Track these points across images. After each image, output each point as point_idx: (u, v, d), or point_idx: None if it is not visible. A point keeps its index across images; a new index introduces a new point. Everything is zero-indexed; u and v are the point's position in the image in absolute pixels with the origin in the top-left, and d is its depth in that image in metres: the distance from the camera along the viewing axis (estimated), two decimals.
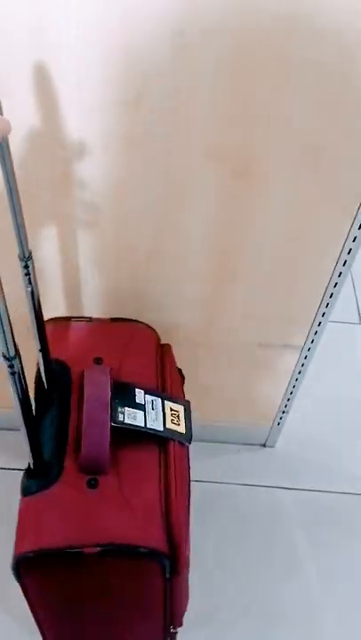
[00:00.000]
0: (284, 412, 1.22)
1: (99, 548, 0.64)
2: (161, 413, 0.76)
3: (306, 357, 1.08)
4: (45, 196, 0.83)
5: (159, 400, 0.77)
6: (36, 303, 0.70)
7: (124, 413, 0.73)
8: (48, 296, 0.96)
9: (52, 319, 0.89)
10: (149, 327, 0.90)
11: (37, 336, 0.73)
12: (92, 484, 0.69)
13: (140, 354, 0.85)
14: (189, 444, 0.78)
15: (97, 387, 0.74)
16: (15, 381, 0.58)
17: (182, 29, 0.65)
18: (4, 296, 0.50)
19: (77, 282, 0.95)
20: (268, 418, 1.26)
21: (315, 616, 1.09)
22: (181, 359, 0.96)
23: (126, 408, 0.74)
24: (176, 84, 0.70)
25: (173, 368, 0.87)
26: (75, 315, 0.95)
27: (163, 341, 0.92)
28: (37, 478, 0.70)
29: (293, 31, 0.65)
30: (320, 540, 1.19)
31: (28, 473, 0.71)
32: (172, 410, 0.78)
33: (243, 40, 0.66)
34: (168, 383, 0.82)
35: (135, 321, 0.90)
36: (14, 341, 0.55)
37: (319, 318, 0.99)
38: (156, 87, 0.71)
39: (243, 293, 0.97)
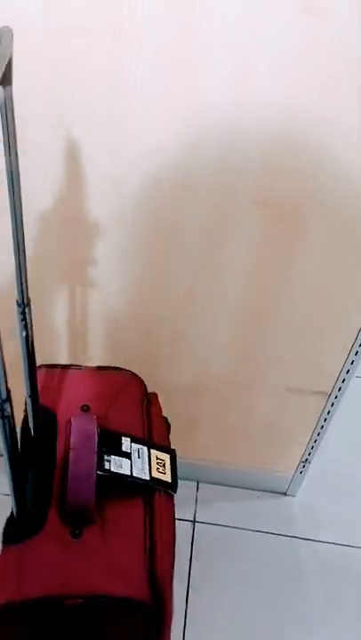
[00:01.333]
0: (307, 459, 1.22)
1: (81, 600, 0.63)
2: (147, 462, 0.76)
3: (333, 405, 1.09)
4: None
5: (145, 449, 0.78)
6: (30, 349, 0.71)
7: (110, 462, 0.73)
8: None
9: (41, 365, 0.89)
10: (135, 375, 0.91)
11: (28, 382, 0.73)
12: (76, 535, 0.69)
13: (126, 402, 0.86)
14: (175, 492, 0.78)
15: (84, 435, 0.74)
16: (4, 425, 0.58)
17: None
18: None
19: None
20: (291, 466, 1.25)
21: None
22: (207, 400, 0.99)
23: (113, 456, 0.74)
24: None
25: (159, 417, 0.88)
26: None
27: (191, 383, 0.94)
28: (20, 527, 0.70)
29: None
30: (334, 595, 1.18)
31: (11, 521, 0.70)
32: (157, 458, 0.78)
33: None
34: (154, 432, 0.83)
35: (121, 369, 0.91)
36: (7, 384, 0.55)
37: (348, 366, 1.01)
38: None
39: (275, 336, 0.99)
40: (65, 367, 0.90)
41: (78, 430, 0.75)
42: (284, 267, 0.90)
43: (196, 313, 0.98)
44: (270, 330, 0.98)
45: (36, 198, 0.86)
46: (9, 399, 0.57)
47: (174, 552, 0.76)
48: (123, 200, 0.85)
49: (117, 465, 0.73)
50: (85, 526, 0.69)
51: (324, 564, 1.22)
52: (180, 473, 1.21)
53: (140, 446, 0.78)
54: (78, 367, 0.90)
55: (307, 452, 1.20)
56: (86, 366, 0.90)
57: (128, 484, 0.73)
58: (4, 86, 0.49)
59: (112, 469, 0.72)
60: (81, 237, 0.91)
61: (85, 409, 0.83)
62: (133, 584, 0.66)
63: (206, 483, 1.34)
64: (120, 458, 0.74)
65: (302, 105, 0.74)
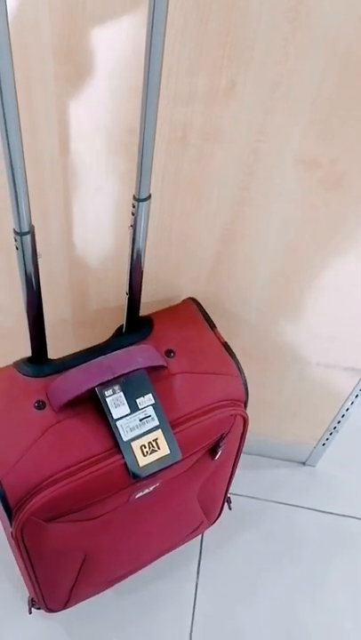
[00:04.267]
0: (331, 433, 1.19)
1: None
2: (141, 431, 0.70)
3: None
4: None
5: (155, 422, 0.71)
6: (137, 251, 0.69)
7: (113, 394, 0.70)
8: None
9: (190, 298, 0.88)
10: (243, 384, 0.80)
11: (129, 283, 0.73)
12: (40, 406, 0.71)
13: (205, 389, 0.78)
14: (133, 479, 0.71)
15: (125, 360, 0.72)
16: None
17: None
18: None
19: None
20: (315, 437, 1.23)
21: None
22: None
23: (121, 393, 0.70)
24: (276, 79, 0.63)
25: (214, 432, 0.77)
26: None
27: None
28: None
29: None
30: (350, 567, 1.17)
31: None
32: (155, 441, 0.71)
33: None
34: (187, 428, 0.74)
35: (239, 369, 0.81)
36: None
37: None
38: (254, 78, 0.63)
39: (312, 309, 0.92)
40: (205, 316, 0.85)
41: (127, 355, 0.73)
42: (328, 235, 0.79)
43: (224, 280, 0.89)
44: (307, 303, 0.91)
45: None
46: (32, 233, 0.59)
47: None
48: None
49: (116, 402, 0.70)
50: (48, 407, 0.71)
51: (339, 536, 1.21)
52: None
53: (153, 415, 0.71)
54: (214, 328, 0.84)
55: (332, 425, 1.17)
56: (220, 335, 0.84)
57: (105, 422, 0.70)
58: None
59: (107, 398, 0.70)
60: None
61: (170, 354, 0.79)
62: None
63: None
64: (125, 402, 0.70)
65: None
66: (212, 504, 1.04)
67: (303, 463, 1.32)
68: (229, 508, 1.11)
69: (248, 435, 1.17)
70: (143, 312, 0.84)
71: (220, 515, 1.12)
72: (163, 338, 0.81)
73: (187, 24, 0.60)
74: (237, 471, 1.13)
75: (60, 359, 0.78)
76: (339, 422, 1.17)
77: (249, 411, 1.10)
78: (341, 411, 1.13)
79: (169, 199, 0.78)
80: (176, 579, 1.14)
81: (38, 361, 0.77)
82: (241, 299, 0.93)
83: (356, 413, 1.14)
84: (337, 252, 0.82)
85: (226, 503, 1.10)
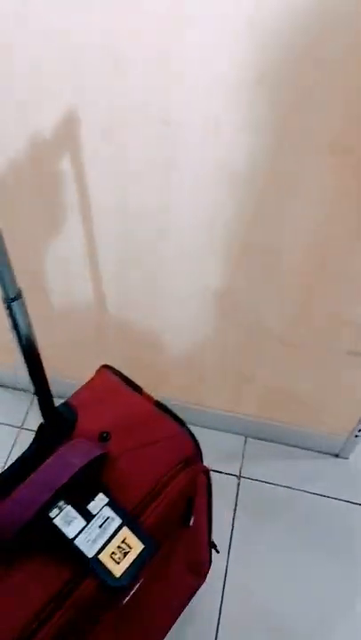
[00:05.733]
0: None
1: None
2: (105, 538, 0.62)
3: None
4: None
5: (117, 522, 0.63)
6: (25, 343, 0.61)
7: (60, 511, 0.61)
8: None
9: (107, 366, 0.80)
10: (189, 438, 0.74)
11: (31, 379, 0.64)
12: None
13: (154, 457, 0.71)
14: (114, 594, 0.62)
15: (60, 465, 0.63)
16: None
17: None
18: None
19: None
20: (347, 429, 1.20)
21: None
22: (265, 358, 1.00)
23: (69, 507, 0.61)
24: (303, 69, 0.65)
25: (180, 503, 0.70)
26: None
27: (247, 339, 0.99)
28: None
29: None
30: None
31: None
32: (123, 542, 0.62)
33: None
34: (154, 511, 0.66)
35: (180, 421, 0.75)
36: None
37: None
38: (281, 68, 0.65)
39: (343, 296, 0.91)
40: (126, 381, 0.78)
41: (60, 459, 0.64)
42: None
43: (256, 269, 0.91)
44: (341, 290, 0.90)
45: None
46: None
47: None
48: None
49: (66, 519, 0.61)
50: None
51: None
52: (227, 426, 1.31)
53: (112, 514, 0.63)
54: (139, 390, 0.78)
55: None
56: (148, 395, 0.77)
57: (63, 546, 0.60)
58: None
59: (55, 520, 0.60)
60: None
61: (104, 437, 0.71)
62: None
63: (255, 438, 1.31)
64: (76, 514, 0.61)
65: None
66: (200, 561, 0.97)
67: (336, 455, 1.29)
68: (217, 552, 1.04)
69: (278, 424, 1.24)
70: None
71: (210, 563, 1.05)
72: (91, 422, 0.72)
73: None
74: (269, 460, 1.24)
75: None
76: None
77: (279, 399, 1.15)
78: None
79: None
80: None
81: None
82: (274, 287, 0.93)
83: None
84: None
85: (213, 550, 1.03)
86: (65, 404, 0.75)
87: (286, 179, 0.77)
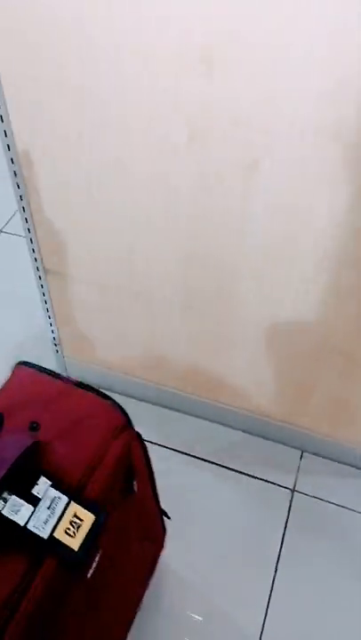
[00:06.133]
0: None
1: None
2: (56, 517, 0.63)
3: None
4: None
5: (64, 500, 0.65)
6: None
7: (6, 502, 0.62)
8: None
9: (22, 362, 0.81)
10: (114, 408, 0.77)
11: None
12: None
13: (85, 435, 0.73)
14: (77, 568, 0.64)
15: None
16: None
17: None
18: None
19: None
20: None
21: None
22: (324, 369, 0.98)
23: (13, 497, 0.62)
24: None
25: (119, 469, 0.74)
26: None
27: (308, 348, 0.97)
28: None
29: None
30: None
31: None
32: (75, 516, 0.65)
33: None
34: (96, 481, 0.69)
35: (102, 395, 0.78)
36: None
37: None
38: None
39: None
40: (43, 370, 0.80)
41: None
42: None
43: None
44: None
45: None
46: None
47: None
48: None
49: (13, 509, 0.62)
50: None
51: None
52: (284, 438, 1.31)
53: (58, 494, 0.65)
54: (58, 376, 0.80)
55: None
56: (67, 378, 0.79)
57: (16, 535, 0.62)
58: None
59: (2, 511, 0.61)
60: None
61: (34, 427, 0.72)
62: None
63: (311, 454, 1.30)
64: (22, 501, 0.63)
65: None
66: (153, 529, 1.01)
67: None
68: (168, 518, 1.08)
69: (337, 441, 1.21)
70: None
71: (164, 530, 1.09)
72: (18, 417, 0.73)
73: None
74: (325, 477, 1.20)
75: None
76: None
77: (340, 415, 1.12)
78: None
79: None
80: (252, 578, 1.11)
81: None
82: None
83: None
84: None
85: (164, 517, 1.07)
86: None
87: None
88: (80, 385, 0.78)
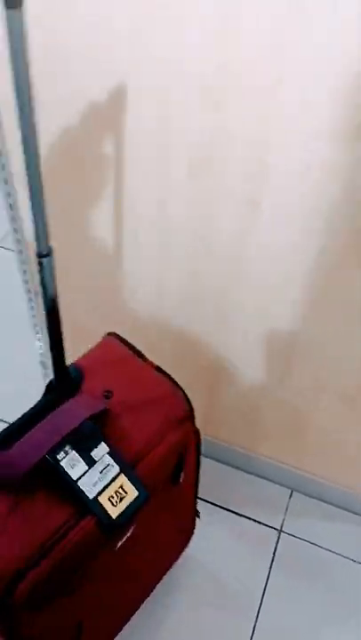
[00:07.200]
0: None
1: None
2: (105, 482, 0.68)
3: None
4: None
5: (116, 469, 0.69)
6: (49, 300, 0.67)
7: (67, 455, 0.67)
8: None
9: (113, 333, 0.87)
10: (183, 400, 0.81)
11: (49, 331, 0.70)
12: None
13: (151, 416, 0.77)
14: (110, 533, 0.69)
15: (67, 416, 0.69)
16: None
17: None
18: None
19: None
20: None
21: None
22: (316, 413, 0.99)
23: (74, 452, 0.68)
24: None
25: (172, 457, 0.77)
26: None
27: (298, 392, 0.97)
28: None
29: None
30: None
31: None
32: (121, 488, 0.69)
33: None
34: (149, 462, 0.73)
35: (176, 385, 0.82)
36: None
37: None
38: None
39: None
40: (130, 347, 0.85)
41: (68, 411, 0.70)
42: None
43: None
44: None
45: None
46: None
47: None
48: None
49: (71, 462, 0.67)
50: None
51: None
52: (275, 476, 1.30)
53: (112, 462, 0.69)
54: (140, 355, 0.84)
55: None
56: (149, 361, 0.84)
57: (66, 487, 0.67)
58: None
59: (61, 462, 0.67)
60: None
61: (107, 395, 0.77)
62: None
63: (301, 493, 1.28)
64: (80, 459, 0.68)
65: None
66: (185, 522, 1.04)
67: None
68: (198, 518, 1.11)
69: (327, 482, 1.21)
70: None
71: (193, 529, 1.12)
72: (96, 381, 0.79)
73: None
74: (312, 518, 1.21)
75: None
76: None
77: (331, 457, 1.14)
78: None
79: None
80: (234, 620, 1.11)
81: None
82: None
83: None
84: None
85: (196, 516, 1.10)
86: (73, 365, 0.81)
87: None
88: (158, 369, 0.83)
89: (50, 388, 0.80)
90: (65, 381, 0.78)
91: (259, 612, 1.12)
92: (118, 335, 0.86)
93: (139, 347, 0.85)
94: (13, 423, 0.75)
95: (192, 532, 1.12)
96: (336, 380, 1.00)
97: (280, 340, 0.98)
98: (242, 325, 0.99)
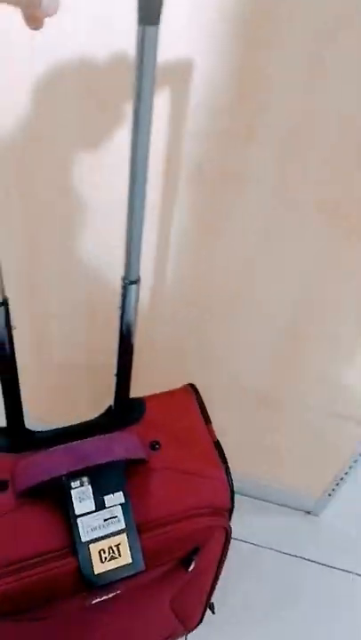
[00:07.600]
0: (338, 484, 1.17)
1: None
2: (103, 533, 0.63)
3: None
4: None
5: (121, 525, 0.63)
6: (126, 331, 0.63)
7: (82, 485, 0.63)
8: None
9: (191, 385, 0.81)
10: (228, 492, 0.72)
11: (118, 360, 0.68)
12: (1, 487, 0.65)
13: (187, 490, 0.70)
14: (86, 587, 0.63)
15: (103, 446, 0.65)
16: None
17: None
18: None
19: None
20: (320, 487, 1.21)
21: None
22: (238, 413, 1.01)
23: (89, 487, 0.63)
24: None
25: (184, 543, 0.69)
26: None
27: (223, 395, 0.98)
28: None
29: None
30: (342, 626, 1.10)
31: None
32: (117, 547, 0.63)
33: None
34: (158, 535, 0.66)
35: (228, 474, 0.73)
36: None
37: None
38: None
39: (321, 356, 0.92)
40: (201, 408, 0.78)
41: (107, 443, 0.66)
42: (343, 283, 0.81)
43: (238, 323, 0.92)
44: (317, 349, 0.91)
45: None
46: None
47: None
48: None
49: (81, 495, 0.63)
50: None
51: (335, 592, 1.15)
52: None
53: (120, 516, 0.64)
54: (208, 422, 0.77)
55: (339, 476, 1.14)
56: (212, 431, 0.76)
57: (65, 516, 0.63)
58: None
59: (72, 490, 0.63)
60: None
61: (154, 445, 0.72)
62: None
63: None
64: (91, 497, 0.63)
65: None
66: (190, 612, 0.94)
67: (308, 512, 1.28)
68: (213, 613, 1.00)
69: (256, 478, 1.22)
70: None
71: (200, 621, 1.01)
72: (152, 426, 0.74)
73: None
74: (242, 515, 1.11)
75: (38, 433, 0.73)
76: (346, 473, 1.14)
77: (260, 455, 1.13)
78: (350, 462, 1.10)
79: None
80: None
81: (13, 432, 0.71)
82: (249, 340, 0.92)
83: None
84: None
85: (208, 609, 0.99)
86: (139, 400, 0.78)
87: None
88: (217, 446, 0.75)
89: (108, 411, 0.77)
90: (125, 410, 0.75)
91: None
92: (196, 389, 0.80)
93: None
94: (61, 429, 0.73)
95: (195, 626, 1.01)
96: (256, 382, 0.99)
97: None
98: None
